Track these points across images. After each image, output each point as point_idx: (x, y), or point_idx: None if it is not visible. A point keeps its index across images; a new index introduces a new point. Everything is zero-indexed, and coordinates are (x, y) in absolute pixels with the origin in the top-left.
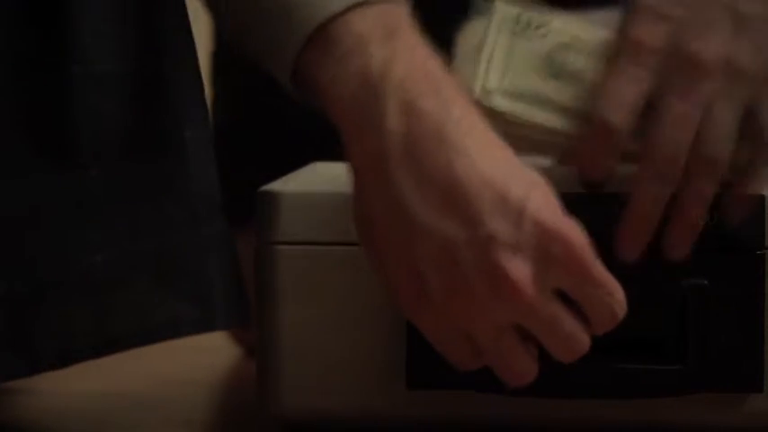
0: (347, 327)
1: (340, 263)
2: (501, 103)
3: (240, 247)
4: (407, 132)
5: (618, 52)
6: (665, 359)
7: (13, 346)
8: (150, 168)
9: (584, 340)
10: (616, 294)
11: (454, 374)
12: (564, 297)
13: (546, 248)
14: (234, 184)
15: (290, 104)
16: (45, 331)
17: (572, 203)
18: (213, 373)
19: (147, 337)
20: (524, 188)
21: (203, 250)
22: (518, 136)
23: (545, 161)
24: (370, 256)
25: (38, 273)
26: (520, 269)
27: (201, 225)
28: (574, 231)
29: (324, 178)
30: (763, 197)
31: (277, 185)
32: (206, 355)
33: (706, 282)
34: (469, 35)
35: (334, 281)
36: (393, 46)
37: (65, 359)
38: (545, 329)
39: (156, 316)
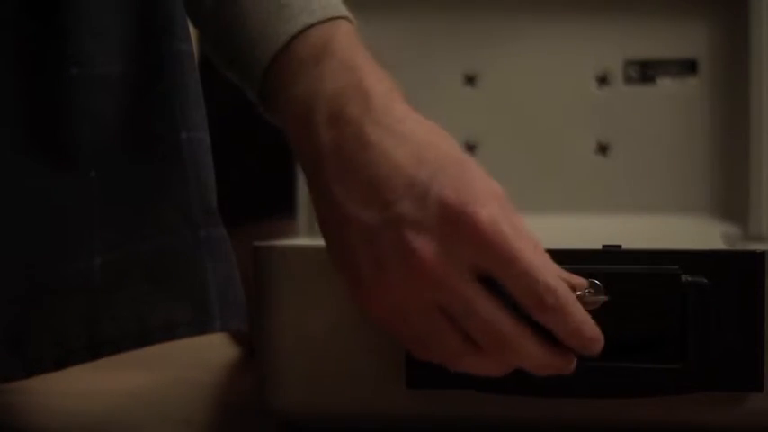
0: (347, 327)
1: None
2: None
3: (237, 247)
4: (336, 139)
5: None
6: (665, 359)
7: (10, 349)
8: (148, 171)
9: (505, 329)
10: (536, 274)
11: (454, 374)
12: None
13: (450, 225)
14: (231, 185)
15: None
16: (42, 333)
17: None
18: (212, 372)
19: (144, 338)
20: (432, 170)
21: (200, 252)
22: None
23: None
24: (330, 256)
25: (35, 275)
26: (425, 245)
27: (198, 227)
28: (478, 204)
29: None
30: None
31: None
32: (205, 355)
33: (706, 281)
34: None
35: (335, 281)
36: (323, 65)
37: (61, 361)
38: (460, 310)
39: (152, 318)
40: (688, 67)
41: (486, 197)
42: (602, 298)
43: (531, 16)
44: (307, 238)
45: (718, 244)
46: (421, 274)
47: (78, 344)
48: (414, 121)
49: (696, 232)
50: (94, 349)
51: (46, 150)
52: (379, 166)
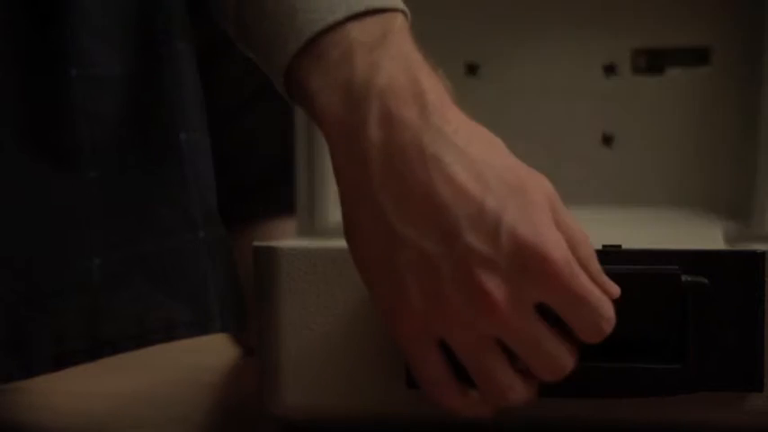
0: (347, 327)
1: (340, 263)
2: None
3: (237, 247)
4: (387, 143)
5: None
6: (665, 359)
7: (9, 349)
8: (147, 171)
9: (566, 361)
10: (601, 309)
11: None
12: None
13: (522, 264)
14: (231, 185)
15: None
16: (41, 334)
17: None
18: (212, 373)
19: (143, 339)
20: (502, 198)
21: (199, 253)
22: None
23: None
24: (356, 261)
25: (35, 275)
26: (497, 285)
27: (198, 228)
28: (552, 245)
29: None
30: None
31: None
32: (205, 355)
33: (706, 281)
34: None
35: (335, 281)
36: (378, 54)
37: (61, 362)
38: (525, 348)
39: (151, 319)
40: (700, 55)
41: (554, 233)
42: None
43: (534, 3)
44: (307, 238)
45: (718, 243)
46: (486, 313)
47: (78, 344)
48: (466, 130)
49: (697, 231)
50: (94, 350)
51: (46, 150)
52: (441, 187)
